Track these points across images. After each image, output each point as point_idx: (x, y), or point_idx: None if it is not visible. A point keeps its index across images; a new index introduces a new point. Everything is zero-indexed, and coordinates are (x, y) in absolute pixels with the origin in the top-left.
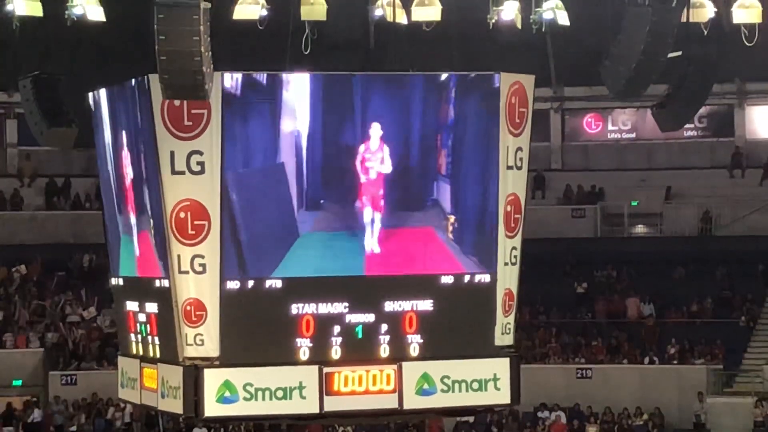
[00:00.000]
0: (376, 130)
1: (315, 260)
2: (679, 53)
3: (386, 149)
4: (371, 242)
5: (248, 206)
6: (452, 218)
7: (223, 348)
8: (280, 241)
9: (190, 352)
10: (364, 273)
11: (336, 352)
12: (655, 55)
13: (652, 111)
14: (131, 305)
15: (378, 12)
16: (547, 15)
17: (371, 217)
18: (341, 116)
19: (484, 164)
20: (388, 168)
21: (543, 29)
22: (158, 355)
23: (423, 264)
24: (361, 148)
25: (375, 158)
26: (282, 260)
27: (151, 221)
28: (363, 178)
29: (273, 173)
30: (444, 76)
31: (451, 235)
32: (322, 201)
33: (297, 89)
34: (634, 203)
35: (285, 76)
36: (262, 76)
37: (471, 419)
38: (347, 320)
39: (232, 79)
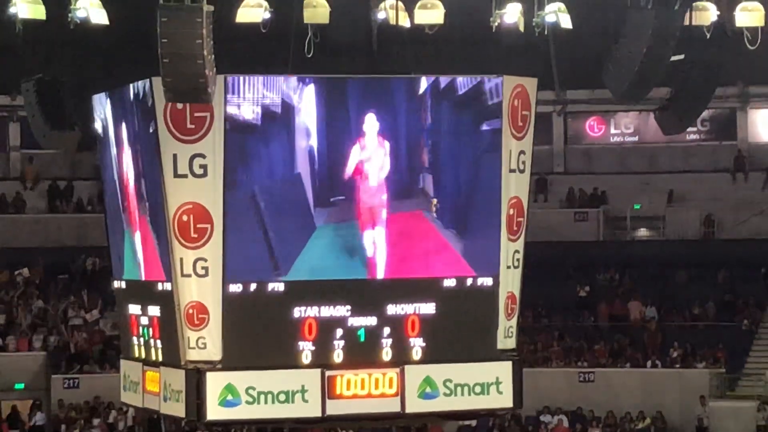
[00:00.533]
0: (370, 125)
1: (328, 250)
2: (682, 56)
3: (387, 145)
4: (371, 232)
5: (274, 209)
6: (435, 200)
7: (225, 351)
8: (301, 233)
9: (193, 355)
10: (366, 268)
11: (338, 356)
12: (658, 59)
13: (655, 114)
14: (134, 308)
15: (381, 15)
16: (550, 18)
17: (372, 208)
18: (340, 126)
19: (458, 156)
20: (386, 167)
21: (546, 32)
22: (161, 359)
23: (424, 265)
24: (356, 148)
25: (376, 156)
26: (303, 248)
27: (154, 225)
28: (361, 176)
29: (292, 182)
30: (421, 89)
31: (434, 214)
32: (331, 199)
33: (306, 113)
34: (637, 207)
35: (296, 104)
36: (277, 107)
37: (473, 423)
38: (350, 323)
39: (253, 113)
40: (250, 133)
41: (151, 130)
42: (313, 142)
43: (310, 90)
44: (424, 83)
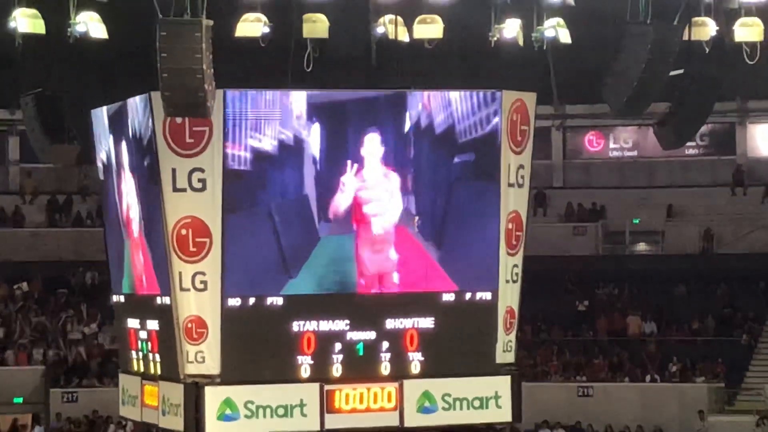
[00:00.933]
0: (370, 150)
1: (330, 258)
2: (681, 71)
3: (395, 178)
4: (368, 245)
5: (286, 223)
6: (416, 218)
7: (224, 365)
8: (308, 243)
9: (191, 369)
10: (363, 281)
11: (337, 370)
12: (657, 73)
13: (654, 129)
14: (132, 322)
15: (380, 29)
16: (549, 33)
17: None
18: (340, 154)
19: (435, 182)
20: (397, 205)
21: (545, 47)
22: (159, 373)
23: (423, 280)
24: (351, 178)
25: (379, 192)
26: (311, 255)
27: (151, 239)
28: (361, 209)
29: (301, 201)
30: (406, 128)
31: (416, 228)
32: (331, 216)
33: (314, 145)
34: (636, 221)
35: (305, 138)
36: (290, 140)
37: None
38: (348, 338)
39: (271, 146)
40: (269, 162)
41: (150, 144)
42: (318, 167)
43: (317, 127)
44: (408, 124)
